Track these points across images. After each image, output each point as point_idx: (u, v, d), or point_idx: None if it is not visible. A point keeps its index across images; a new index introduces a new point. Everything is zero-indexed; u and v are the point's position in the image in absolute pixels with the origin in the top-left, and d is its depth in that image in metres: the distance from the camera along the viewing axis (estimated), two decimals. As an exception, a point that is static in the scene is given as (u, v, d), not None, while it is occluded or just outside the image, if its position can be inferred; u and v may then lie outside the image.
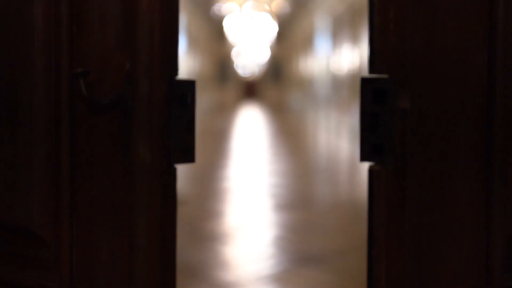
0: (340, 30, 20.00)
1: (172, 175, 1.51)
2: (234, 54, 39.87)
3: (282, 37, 40.61)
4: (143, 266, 1.48)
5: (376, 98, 1.46)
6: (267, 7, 13.87)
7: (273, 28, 28.01)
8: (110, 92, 1.48)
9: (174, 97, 1.49)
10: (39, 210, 1.57)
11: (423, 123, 1.42)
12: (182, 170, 9.97)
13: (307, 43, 30.20)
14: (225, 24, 27.78)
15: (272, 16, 19.96)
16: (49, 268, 1.57)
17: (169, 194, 1.51)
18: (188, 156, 1.54)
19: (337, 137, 17.44)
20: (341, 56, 19.81)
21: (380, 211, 1.44)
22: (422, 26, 1.42)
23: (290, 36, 39.07)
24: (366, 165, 8.47)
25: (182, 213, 6.86)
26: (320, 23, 24.44)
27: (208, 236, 5.59)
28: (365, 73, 9.58)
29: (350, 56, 17.72)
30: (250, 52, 30.15)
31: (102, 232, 1.51)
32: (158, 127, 1.47)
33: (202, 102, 34.75)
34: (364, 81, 1.48)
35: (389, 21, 1.43)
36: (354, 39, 17.40)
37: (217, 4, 14.22)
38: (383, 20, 1.44)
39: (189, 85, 1.52)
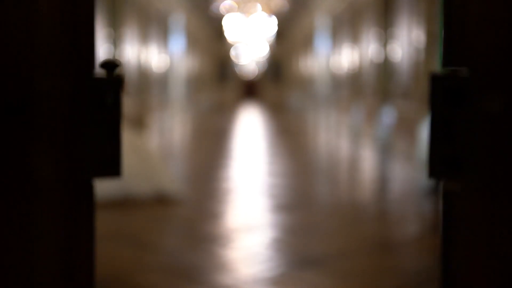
0: (340, 29, 19.97)
1: (85, 193, 1.27)
2: (233, 53, 39.88)
3: (281, 36, 40.61)
4: None
5: (451, 99, 1.18)
6: (266, 6, 13.83)
7: (273, 27, 28.03)
8: (10, 93, 1.24)
9: (88, 98, 1.25)
10: None
11: None
12: (180, 170, 9.94)
13: (307, 43, 30.19)
14: (225, 23, 27.77)
15: (272, 15, 19.95)
16: None
17: (81, 216, 1.26)
18: (110, 168, 1.28)
19: (337, 137, 17.41)
20: (341, 56, 19.78)
21: (461, 242, 1.18)
22: None
23: (290, 35, 39.08)
24: (370, 168, 8.42)
25: (179, 214, 6.81)
26: (320, 22, 24.41)
27: (205, 238, 5.53)
28: (365, 73, 9.50)
29: (350, 55, 17.70)
30: (250, 51, 30.15)
31: (9, 261, 1.26)
32: (61, 135, 1.24)
33: (202, 101, 34.77)
34: (436, 79, 1.18)
35: None
36: (354, 38, 17.38)
37: (216, 3, 14.19)
38: None
39: (110, 84, 1.27)
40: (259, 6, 14.34)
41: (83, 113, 1.25)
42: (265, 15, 14.44)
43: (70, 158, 1.25)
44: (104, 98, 1.26)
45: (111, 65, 1.28)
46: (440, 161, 1.18)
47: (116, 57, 13.67)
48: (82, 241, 1.27)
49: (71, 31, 1.24)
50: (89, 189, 1.28)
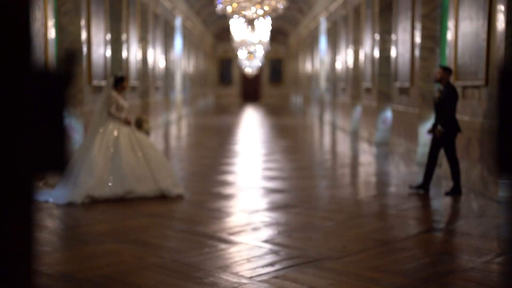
0: (340, 30, 20.00)
1: (22, 189, 1.16)
2: (234, 54, 39.88)
3: (282, 38, 40.62)
4: None
5: None
6: (267, 8, 13.85)
7: (273, 29, 28.05)
8: None
9: (25, 91, 1.16)
10: None
11: None
12: (182, 170, 9.97)
13: (308, 44, 30.21)
14: (226, 24, 27.80)
15: (273, 17, 20.00)
16: None
17: (18, 215, 1.15)
18: (55, 166, 1.19)
19: (337, 137, 17.44)
20: (341, 57, 19.81)
21: None
22: None
23: (291, 36, 39.10)
24: (369, 168, 8.35)
25: (180, 212, 6.84)
26: (321, 24, 24.44)
27: (206, 238, 5.57)
28: (365, 74, 9.53)
29: (350, 56, 17.73)
30: (251, 52, 30.18)
31: None
32: None
33: (203, 102, 34.79)
34: (507, 70, 1.06)
35: None
36: (354, 39, 17.42)
37: (217, 5, 14.22)
38: None
39: (53, 77, 1.18)
40: (259, 7, 14.39)
41: (20, 106, 1.16)
42: (264, 16, 14.47)
43: (6, 153, 1.15)
44: (46, 91, 1.19)
45: (67, 58, 1.21)
46: (510, 160, 1.09)
47: (119, 59, 13.71)
48: (18, 241, 1.17)
49: (6, 25, 1.16)
50: (27, 186, 1.18)
